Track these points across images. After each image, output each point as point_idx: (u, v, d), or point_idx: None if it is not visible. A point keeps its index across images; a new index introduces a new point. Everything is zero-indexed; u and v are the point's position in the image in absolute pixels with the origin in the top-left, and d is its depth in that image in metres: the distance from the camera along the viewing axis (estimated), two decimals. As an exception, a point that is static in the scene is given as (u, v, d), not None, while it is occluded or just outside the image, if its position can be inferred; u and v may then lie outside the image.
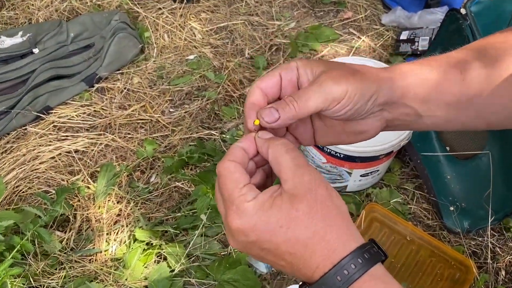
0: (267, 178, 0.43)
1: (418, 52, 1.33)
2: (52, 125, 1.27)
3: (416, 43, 1.33)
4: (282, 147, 0.40)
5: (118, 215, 1.09)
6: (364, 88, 0.41)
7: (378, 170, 1.04)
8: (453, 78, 0.43)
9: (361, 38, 1.45)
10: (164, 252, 1.00)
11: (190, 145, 1.22)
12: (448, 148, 1.09)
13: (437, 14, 1.35)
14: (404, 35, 1.38)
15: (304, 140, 0.47)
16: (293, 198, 0.37)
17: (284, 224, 0.36)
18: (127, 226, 1.06)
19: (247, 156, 0.41)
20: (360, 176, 1.03)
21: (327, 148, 0.96)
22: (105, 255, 1.01)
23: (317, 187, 0.37)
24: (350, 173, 1.02)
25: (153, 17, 1.51)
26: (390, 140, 0.94)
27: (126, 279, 0.96)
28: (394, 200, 1.07)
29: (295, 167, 0.38)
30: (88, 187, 1.13)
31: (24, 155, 1.19)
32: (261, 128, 0.42)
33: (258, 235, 0.37)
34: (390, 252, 0.97)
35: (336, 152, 0.96)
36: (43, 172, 1.15)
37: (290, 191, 0.37)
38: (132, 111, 1.31)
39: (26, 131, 1.25)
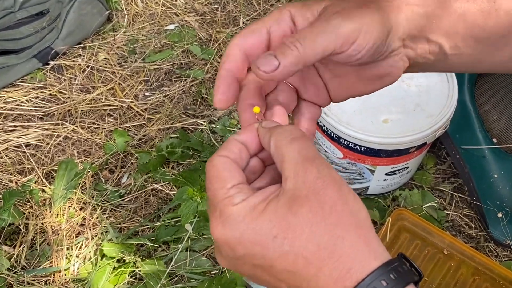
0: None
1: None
2: (-4, 112, 1.26)
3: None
4: (287, 134, 0.38)
5: (81, 225, 1.09)
6: (382, 20, 0.39)
7: (407, 167, 1.04)
8: (484, 7, 0.42)
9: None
10: (140, 270, 1.00)
11: (171, 137, 1.21)
12: (495, 140, 1.09)
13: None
14: None
15: (320, 100, 0.46)
16: (292, 200, 0.35)
17: (279, 234, 0.35)
18: (92, 238, 1.05)
19: (245, 151, 0.41)
20: (385, 174, 1.03)
21: (345, 140, 0.95)
22: (65, 275, 1.01)
23: (326, 186, 0.35)
24: (372, 171, 1.01)
25: (123, -24, 1.51)
26: (423, 129, 0.94)
27: (92, 305, 0.96)
28: (427, 205, 1.07)
29: (300, 160, 0.37)
30: (43, 190, 1.13)
31: (-39, 150, 1.18)
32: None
33: (247, 248, 0.36)
34: (423, 269, 0.97)
35: (355, 145, 0.95)
36: (-14, 171, 1.15)
37: (291, 191, 0.36)
38: (98, 95, 1.30)
39: (-37, 120, 1.25)
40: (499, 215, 1.04)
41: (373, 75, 0.44)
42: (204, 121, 1.24)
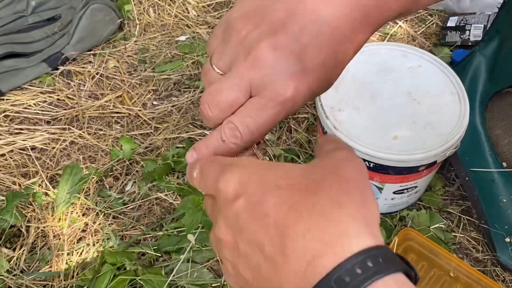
0: None
1: (470, 43, 1.35)
2: (3, 114, 1.28)
3: (467, 32, 1.36)
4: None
5: (83, 230, 1.09)
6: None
7: (416, 187, 1.05)
8: None
9: (397, 24, 1.47)
10: (140, 279, 1.00)
11: (177, 147, 1.22)
12: (504, 164, 1.11)
13: (495, -3, 1.38)
14: (452, 22, 1.40)
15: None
16: (306, 166, 0.36)
17: (283, 185, 0.34)
18: (94, 245, 1.06)
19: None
20: (394, 193, 1.04)
21: (354, 155, 0.97)
22: (64, 280, 1.01)
23: (347, 167, 0.36)
24: (381, 189, 1.03)
25: (136, -14, 1.54)
26: (433, 147, 0.95)
27: (90, 312, 0.96)
28: (435, 226, 1.08)
29: (330, 146, 0.39)
30: (47, 194, 1.14)
31: (-34, 150, 1.20)
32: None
33: (248, 192, 0.35)
34: (429, 290, 0.98)
35: (364, 160, 0.97)
36: (-10, 172, 1.17)
37: (309, 164, 0.36)
38: (106, 101, 1.32)
39: (-30, 120, 1.26)
40: (507, 239, 1.05)
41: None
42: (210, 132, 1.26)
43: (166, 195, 1.15)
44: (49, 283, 1.01)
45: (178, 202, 1.14)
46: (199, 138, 1.25)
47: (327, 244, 0.31)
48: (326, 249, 0.31)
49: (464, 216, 1.11)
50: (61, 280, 1.01)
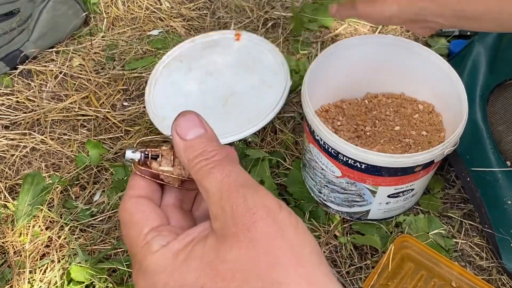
0: None
1: (468, 33, 1.36)
2: (-44, 119, 1.27)
3: (465, 21, 1.36)
4: (208, 157, 0.37)
5: (47, 245, 1.08)
6: None
7: (413, 189, 1.05)
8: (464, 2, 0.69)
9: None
10: (111, 298, 0.99)
11: (151, 151, 1.21)
12: (509, 163, 1.11)
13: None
14: (448, 10, 1.41)
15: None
16: (221, 242, 0.34)
17: (207, 284, 0.33)
18: (59, 261, 1.05)
19: (157, 184, 0.41)
20: (388, 197, 1.04)
21: (344, 156, 0.96)
22: (26, 301, 1.00)
23: (258, 219, 0.34)
24: (374, 192, 1.02)
25: (103, -24, 1.53)
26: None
27: (55, 336, 0.95)
28: (434, 232, 1.08)
29: (224, 192, 0.35)
30: (6, 206, 1.12)
31: None
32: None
33: None
34: (429, 302, 0.98)
35: (355, 161, 0.96)
36: None
37: (219, 231, 0.35)
38: (71, 103, 1.31)
39: None
40: (513, 245, 1.05)
41: None
42: (188, 135, 1.25)
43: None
44: (9, 305, 1.00)
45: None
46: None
47: None
48: None
49: (466, 221, 1.11)
50: (23, 302, 1.00)
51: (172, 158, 0.42)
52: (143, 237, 0.37)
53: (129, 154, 0.43)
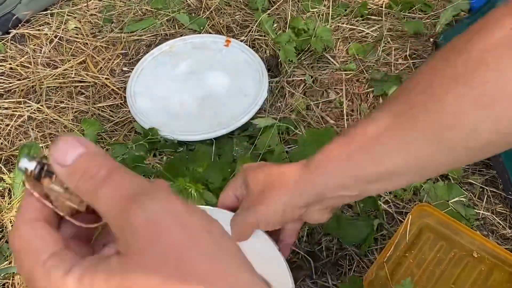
0: None
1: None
2: None
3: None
4: (92, 175, 0.34)
5: (47, 220, 1.08)
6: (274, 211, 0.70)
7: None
8: (366, 163, 0.64)
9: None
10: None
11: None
12: (533, 126, 1.10)
13: None
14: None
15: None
16: (126, 262, 0.32)
17: None
18: (59, 236, 1.05)
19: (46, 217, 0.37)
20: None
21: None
22: (27, 278, 1.01)
23: (162, 229, 0.32)
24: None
25: None
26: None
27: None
28: (454, 200, 1.07)
29: (119, 206, 0.33)
30: (2, 179, 1.12)
31: None
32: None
33: None
34: (450, 274, 0.97)
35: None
36: None
37: (123, 250, 0.33)
38: (67, 69, 1.30)
39: None
40: (538, 213, 1.05)
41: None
42: (192, 101, 1.25)
43: (143, 176, 1.13)
44: (9, 281, 1.01)
45: (157, 184, 1.12)
46: (178, 108, 1.24)
47: None
48: None
49: (488, 188, 1.11)
50: (23, 278, 1.00)
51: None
52: (42, 264, 0.34)
53: (24, 162, 0.38)
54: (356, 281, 0.97)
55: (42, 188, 0.37)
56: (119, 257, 0.33)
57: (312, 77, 1.26)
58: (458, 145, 0.60)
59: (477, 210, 1.08)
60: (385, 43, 1.31)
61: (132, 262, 0.32)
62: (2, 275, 1.01)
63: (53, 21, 1.39)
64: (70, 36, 1.36)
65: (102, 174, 0.34)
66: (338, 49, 1.32)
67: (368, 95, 1.22)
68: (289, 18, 1.35)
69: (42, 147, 1.16)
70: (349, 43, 1.33)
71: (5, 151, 1.17)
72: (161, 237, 0.31)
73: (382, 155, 0.63)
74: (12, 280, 1.01)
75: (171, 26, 1.38)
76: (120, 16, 1.41)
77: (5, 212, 1.08)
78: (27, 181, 0.37)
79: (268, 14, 1.37)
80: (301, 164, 0.70)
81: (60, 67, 1.30)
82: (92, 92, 1.27)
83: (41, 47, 1.34)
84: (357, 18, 1.37)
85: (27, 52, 1.33)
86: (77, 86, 1.28)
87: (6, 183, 1.12)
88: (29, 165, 0.37)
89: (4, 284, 1.00)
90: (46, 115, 1.22)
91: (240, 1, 1.42)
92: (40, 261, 0.34)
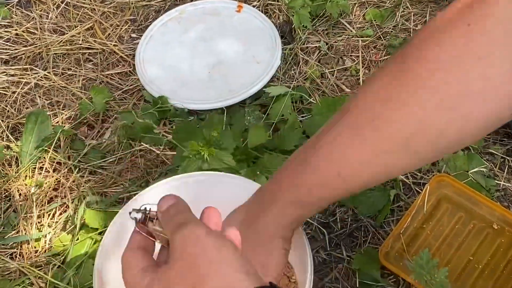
0: None
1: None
2: (-49, 54, 1.27)
3: None
4: (174, 224, 0.54)
5: (55, 189, 1.09)
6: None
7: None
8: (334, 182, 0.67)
9: None
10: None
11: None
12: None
13: None
14: None
15: None
16: (164, 268, 0.51)
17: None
18: (67, 206, 1.06)
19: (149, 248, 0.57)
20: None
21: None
22: (35, 247, 1.01)
23: (188, 245, 0.50)
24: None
25: None
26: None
27: (68, 284, 0.96)
28: (474, 170, 1.06)
29: (174, 229, 0.52)
30: (9, 147, 1.13)
31: None
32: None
33: None
34: (468, 246, 0.97)
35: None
36: None
37: (169, 259, 0.52)
38: (74, 35, 1.30)
39: None
40: (561, 184, 1.04)
41: None
42: (203, 69, 1.24)
43: (152, 146, 1.13)
44: (17, 250, 1.01)
45: (166, 153, 1.12)
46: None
47: None
48: None
49: (509, 158, 1.10)
50: (32, 247, 1.01)
51: None
52: (134, 275, 0.54)
53: (133, 213, 0.58)
54: (371, 253, 0.97)
55: (147, 228, 0.58)
56: (164, 265, 0.52)
57: (327, 43, 1.24)
58: (426, 149, 0.63)
59: (498, 181, 1.07)
60: (404, 8, 1.29)
61: (167, 267, 0.51)
62: (10, 244, 1.02)
63: (59, -14, 1.38)
64: (77, 1, 1.36)
65: (173, 213, 0.55)
66: (354, 15, 1.30)
67: (385, 63, 1.21)
68: (303, -18, 1.33)
69: (49, 115, 1.16)
70: (366, 8, 1.31)
71: (12, 119, 1.17)
72: (185, 250, 0.50)
73: (348, 176, 0.66)
74: (20, 249, 1.01)
75: (181, -9, 1.37)
76: (129, -19, 1.39)
77: (12, 181, 1.08)
78: (136, 225, 0.58)
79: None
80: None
81: (67, 33, 1.30)
82: (100, 59, 1.26)
83: (47, 13, 1.34)
84: (375, -18, 1.35)
85: (33, 17, 1.33)
86: (85, 53, 1.27)
87: (13, 151, 1.12)
88: (137, 215, 0.58)
89: (12, 254, 1.01)
90: (54, 82, 1.22)
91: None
92: (133, 273, 0.54)
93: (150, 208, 0.58)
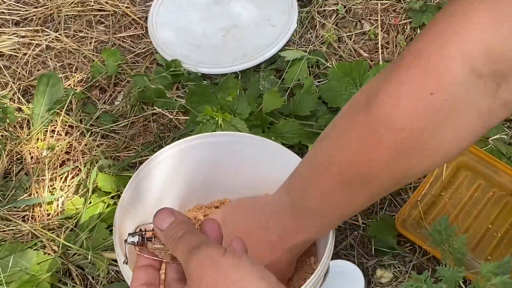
0: None
1: None
2: (-39, 15, 1.26)
3: None
4: (175, 237, 0.54)
5: (67, 152, 1.09)
6: None
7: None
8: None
9: None
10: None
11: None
12: None
13: None
14: None
15: None
16: None
17: None
18: (80, 169, 1.06)
19: (156, 269, 0.58)
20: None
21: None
22: (47, 210, 1.02)
23: (206, 268, 0.50)
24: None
25: None
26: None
27: (81, 247, 0.96)
28: (494, 137, 1.06)
29: (186, 257, 0.51)
30: (20, 109, 1.13)
31: None
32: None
33: None
34: (487, 214, 0.97)
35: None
36: (-51, 86, 1.16)
37: (187, 284, 0.52)
38: (86, -4, 1.29)
39: None
40: None
41: None
42: (217, 32, 1.23)
43: (165, 111, 1.13)
44: (29, 213, 1.02)
45: (179, 118, 1.12)
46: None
47: None
48: None
49: (530, 125, 1.09)
50: (44, 210, 1.02)
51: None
52: None
53: (129, 238, 0.57)
54: (387, 220, 0.97)
55: (147, 249, 0.58)
56: None
57: (345, 7, 1.23)
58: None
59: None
60: (425, -30, 1.27)
61: None
62: (22, 207, 1.02)
63: None
64: (88, -40, 1.34)
65: (180, 235, 0.54)
66: (374, -24, 1.28)
67: (405, 27, 1.20)
68: None
69: (61, 78, 1.16)
70: (386, -30, 1.29)
71: (23, 81, 1.17)
72: (203, 276, 0.50)
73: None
74: (32, 212, 1.02)
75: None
76: None
77: (23, 143, 1.09)
78: (136, 249, 0.58)
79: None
80: None
81: (78, -6, 1.29)
82: (112, 21, 1.26)
83: (58, -27, 1.33)
84: None
85: (43, -22, 1.32)
86: (97, 15, 1.27)
87: (25, 114, 1.12)
88: (134, 239, 0.57)
89: (24, 216, 1.02)
90: (65, 44, 1.22)
91: None
92: None
93: (145, 229, 0.58)
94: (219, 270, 0.49)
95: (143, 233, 0.58)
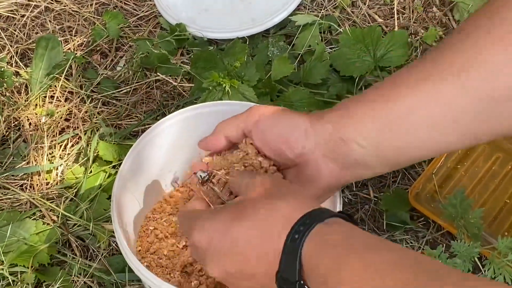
0: None
1: None
2: (-44, -26, 1.24)
3: None
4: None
5: (67, 119, 1.08)
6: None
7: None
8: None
9: None
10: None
11: (180, 15, 1.18)
12: None
13: None
14: None
15: None
16: (235, 208, 0.59)
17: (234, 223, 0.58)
18: (80, 137, 1.05)
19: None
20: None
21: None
22: (46, 179, 1.01)
23: (266, 182, 0.60)
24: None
25: None
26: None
27: (81, 217, 0.96)
28: None
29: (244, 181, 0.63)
30: (18, 73, 1.12)
31: None
32: None
33: (214, 238, 0.59)
34: (505, 188, 0.95)
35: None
36: None
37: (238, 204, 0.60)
38: (86, -44, 1.27)
39: None
40: None
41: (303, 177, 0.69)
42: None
43: (169, 77, 1.12)
44: (27, 182, 1.01)
45: (184, 85, 1.11)
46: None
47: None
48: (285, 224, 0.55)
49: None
50: (43, 179, 1.01)
51: (223, 186, 0.68)
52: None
53: (199, 172, 0.69)
54: (400, 194, 0.96)
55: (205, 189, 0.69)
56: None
57: (360, -30, 1.20)
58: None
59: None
60: None
61: (244, 198, 0.62)
62: (20, 175, 1.02)
63: None
64: None
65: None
66: None
67: (423, -9, 1.17)
68: None
69: (60, 41, 1.14)
70: None
71: (21, 44, 1.16)
72: (261, 185, 0.61)
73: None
74: (31, 180, 1.01)
75: None
76: None
77: (21, 109, 1.08)
78: (198, 183, 0.69)
79: None
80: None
81: (79, -47, 1.27)
82: (114, -18, 1.24)
83: None
84: None
85: None
86: (98, -25, 1.25)
87: (23, 78, 1.11)
88: (203, 174, 0.69)
89: (22, 185, 1.01)
90: (65, 6, 1.20)
91: None
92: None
93: (216, 172, 0.68)
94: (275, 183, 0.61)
95: (212, 174, 0.68)
